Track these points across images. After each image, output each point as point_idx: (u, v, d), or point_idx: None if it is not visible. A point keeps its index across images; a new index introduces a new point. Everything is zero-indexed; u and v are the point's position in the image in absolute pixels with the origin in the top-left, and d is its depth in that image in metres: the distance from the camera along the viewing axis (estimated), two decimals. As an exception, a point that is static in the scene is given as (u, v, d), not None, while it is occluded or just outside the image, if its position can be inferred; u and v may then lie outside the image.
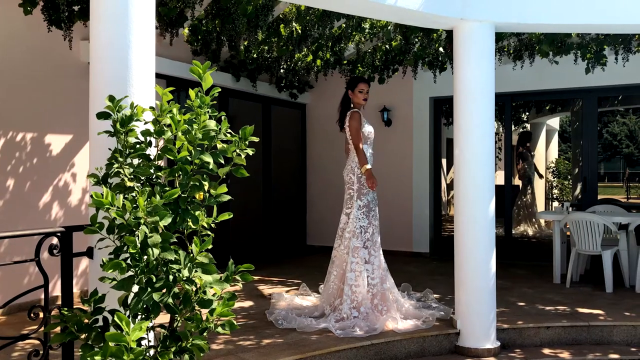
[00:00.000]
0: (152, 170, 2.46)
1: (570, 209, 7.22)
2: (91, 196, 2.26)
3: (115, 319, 2.03)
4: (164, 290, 2.26)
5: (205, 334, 2.37)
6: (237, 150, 2.52)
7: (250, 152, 2.54)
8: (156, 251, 2.21)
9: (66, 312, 2.38)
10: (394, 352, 4.58)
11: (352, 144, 5.24)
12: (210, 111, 2.50)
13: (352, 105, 5.36)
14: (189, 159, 2.41)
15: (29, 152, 5.68)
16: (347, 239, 5.17)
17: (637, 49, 6.73)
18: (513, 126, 11.09)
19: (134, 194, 2.36)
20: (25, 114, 5.64)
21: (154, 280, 2.25)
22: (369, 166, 5.16)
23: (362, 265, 5.08)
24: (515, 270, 7.67)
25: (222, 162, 2.50)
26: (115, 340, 2.01)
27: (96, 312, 2.39)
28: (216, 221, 2.45)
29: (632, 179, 25.81)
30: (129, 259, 2.23)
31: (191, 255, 2.32)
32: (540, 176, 11.91)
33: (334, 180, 8.56)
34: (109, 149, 2.53)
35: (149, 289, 2.23)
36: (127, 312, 2.26)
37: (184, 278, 2.28)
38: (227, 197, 2.50)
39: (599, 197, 8.48)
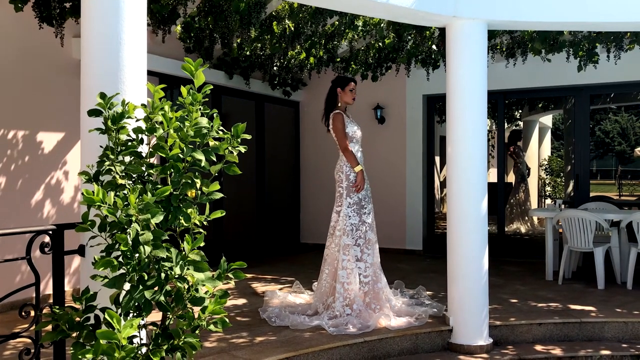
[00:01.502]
0: (143, 168, 2.45)
1: (562, 206, 7.25)
2: (82, 194, 2.25)
3: (106, 316, 2.02)
4: (156, 288, 2.26)
5: (197, 331, 2.36)
6: (230, 148, 2.51)
7: (242, 149, 2.54)
8: (148, 249, 2.21)
9: (57, 310, 2.37)
10: (386, 350, 4.59)
11: (339, 145, 5.26)
12: (202, 108, 2.50)
13: (338, 104, 5.35)
14: (181, 156, 2.40)
15: (21, 149, 5.66)
16: (337, 236, 5.17)
17: (629, 46, 6.75)
18: (506, 124, 11.14)
19: (125, 192, 2.35)
20: (17, 111, 5.61)
21: (146, 278, 2.24)
22: (359, 168, 5.17)
23: (353, 262, 5.08)
24: (508, 267, 7.70)
25: (214, 159, 2.49)
26: (106, 337, 2.00)
27: (88, 310, 2.38)
28: (208, 219, 2.45)
29: (624, 176, 25.94)
30: (120, 257, 2.23)
31: (183, 253, 2.32)
32: (528, 174, 11.95)
33: (327, 177, 8.54)
34: (101, 147, 2.52)
35: (141, 287, 2.22)
36: (119, 310, 2.26)
37: (176, 276, 2.27)
38: (220, 195, 2.50)
39: (591, 194, 8.52)
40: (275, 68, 7.73)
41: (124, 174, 2.42)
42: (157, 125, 2.45)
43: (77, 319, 2.36)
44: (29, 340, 2.72)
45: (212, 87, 2.59)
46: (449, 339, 4.79)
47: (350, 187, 5.17)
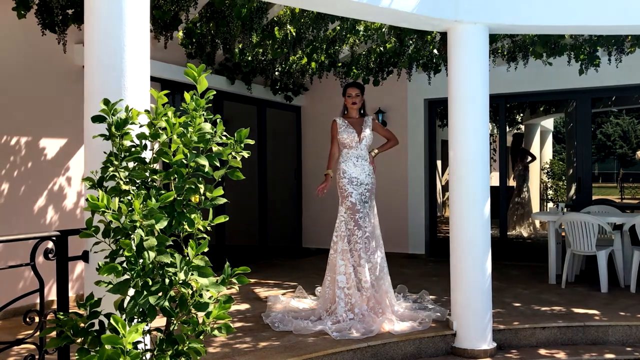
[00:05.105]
0: (147, 174, 2.46)
1: (565, 209, 7.24)
2: (87, 200, 2.25)
3: (112, 321, 2.02)
4: (160, 294, 2.26)
5: (201, 337, 2.36)
6: (233, 153, 2.52)
7: (245, 154, 2.54)
8: (152, 254, 2.21)
9: (62, 316, 2.37)
10: (390, 354, 4.58)
11: None
12: (205, 114, 2.50)
13: (345, 112, 5.52)
14: (185, 162, 2.41)
15: (24, 156, 5.67)
16: (335, 242, 5.23)
17: (629, 50, 6.75)
18: (507, 127, 11.14)
19: (129, 197, 2.36)
20: (20, 117, 5.62)
21: (150, 283, 2.24)
22: (328, 172, 5.36)
23: (350, 267, 5.09)
24: (511, 271, 7.69)
25: (218, 164, 2.50)
26: (111, 342, 2.00)
27: (92, 316, 2.38)
28: (212, 224, 2.45)
29: (626, 179, 25.88)
30: (124, 263, 2.23)
31: (187, 258, 2.32)
32: (534, 158, 11.86)
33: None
34: (104, 153, 2.52)
35: (145, 292, 2.22)
36: (123, 316, 2.26)
37: (180, 281, 2.27)
38: (223, 200, 2.50)
39: (594, 197, 8.52)
40: (276, 73, 7.73)
41: (127, 180, 2.42)
42: (160, 131, 2.45)
43: (82, 324, 2.36)
44: (33, 347, 2.73)
45: (214, 92, 2.60)
46: (453, 344, 4.78)
47: (342, 193, 5.29)
